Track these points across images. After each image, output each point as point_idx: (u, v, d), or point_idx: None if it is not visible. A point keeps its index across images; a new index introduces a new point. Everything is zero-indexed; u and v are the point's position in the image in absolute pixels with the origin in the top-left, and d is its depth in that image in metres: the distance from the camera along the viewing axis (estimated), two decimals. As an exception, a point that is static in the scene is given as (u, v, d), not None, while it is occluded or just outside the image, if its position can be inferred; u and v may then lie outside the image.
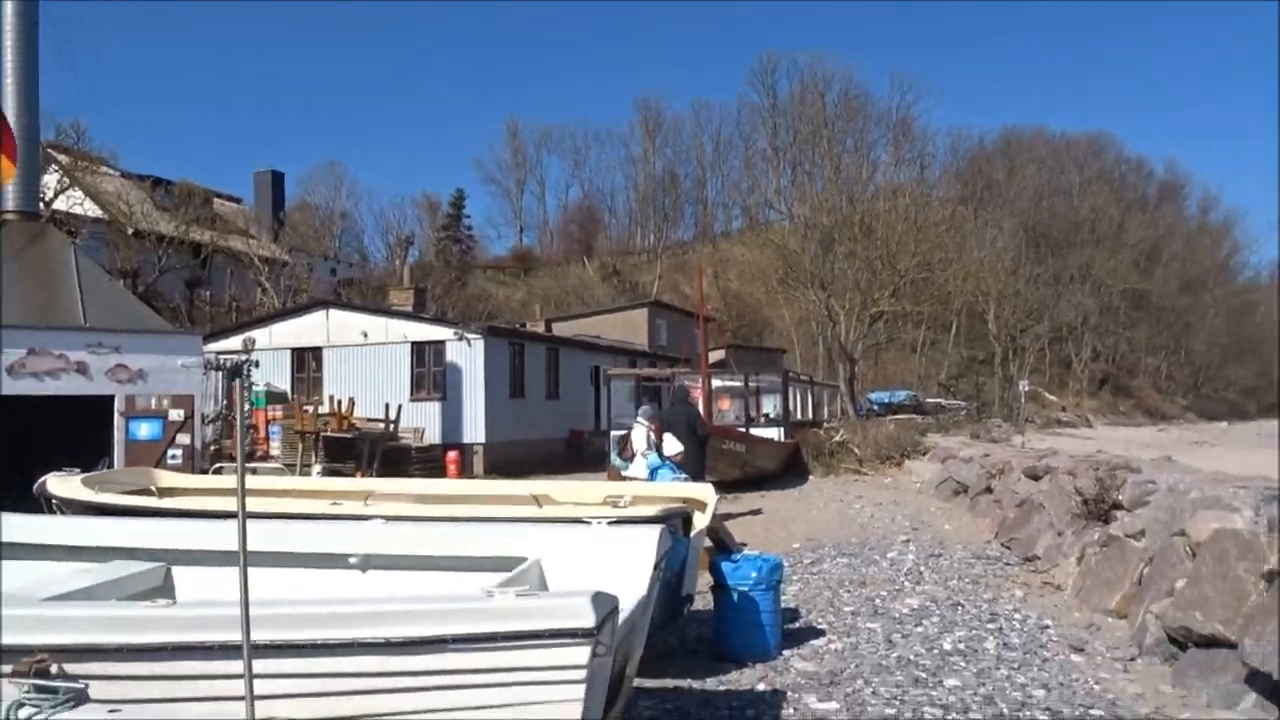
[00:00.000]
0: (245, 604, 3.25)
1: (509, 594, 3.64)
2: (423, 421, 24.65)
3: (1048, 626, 7.52)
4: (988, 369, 57.35)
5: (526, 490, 6.98)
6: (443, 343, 25.38)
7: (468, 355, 25.00)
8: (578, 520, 5.51)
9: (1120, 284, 73.62)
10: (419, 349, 25.63)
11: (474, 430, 24.71)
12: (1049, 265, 66.37)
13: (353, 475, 17.42)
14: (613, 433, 19.75)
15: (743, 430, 20.20)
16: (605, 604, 3.59)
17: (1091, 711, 5.45)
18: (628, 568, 4.76)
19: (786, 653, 6.78)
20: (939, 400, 46.59)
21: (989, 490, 14.75)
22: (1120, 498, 9.01)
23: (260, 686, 3.29)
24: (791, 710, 5.56)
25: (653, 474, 11.57)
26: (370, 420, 22.41)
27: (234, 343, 24.76)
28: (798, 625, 7.64)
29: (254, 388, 22.43)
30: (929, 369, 58.55)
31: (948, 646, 6.93)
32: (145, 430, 16.20)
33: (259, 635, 3.31)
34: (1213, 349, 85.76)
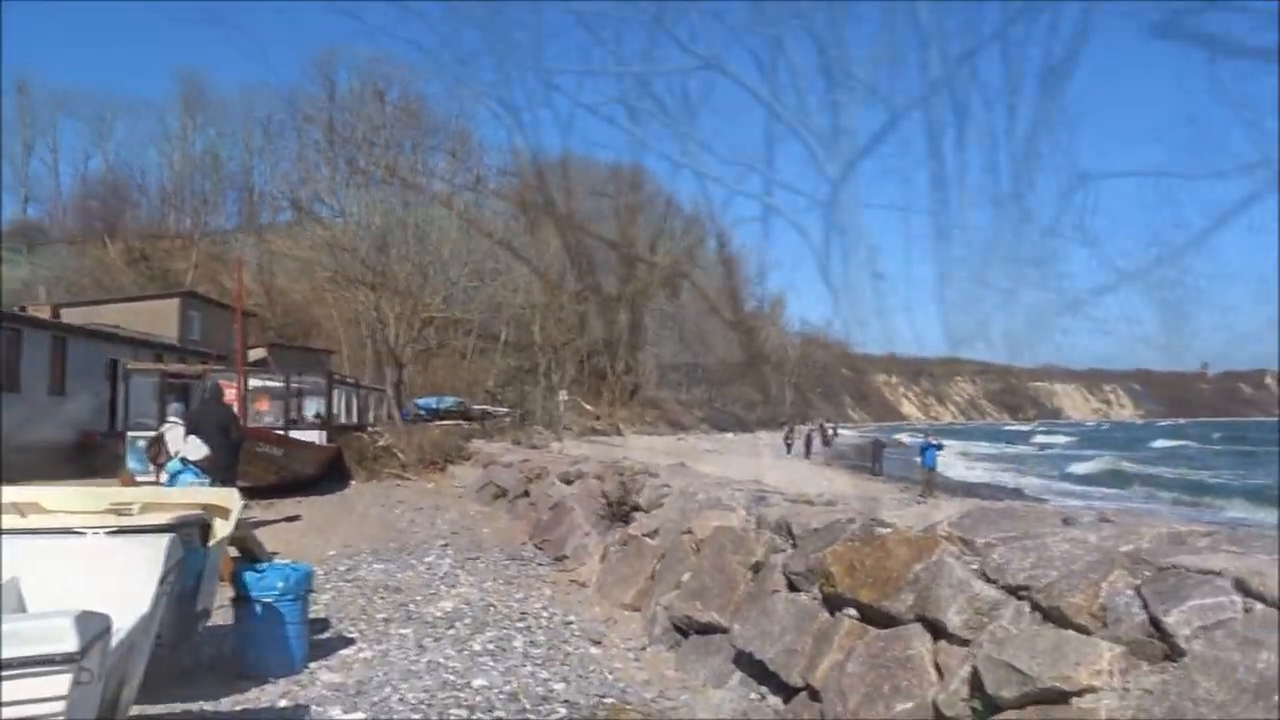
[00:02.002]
0: None
1: (-34, 619, 3.08)
2: (-123, 418, 20.53)
3: (571, 622, 7.94)
4: (532, 378, 59.90)
5: (7, 498, 5.98)
6: (-88, 324, 21.36)
7: (-54, 340, 21.25)
8: (69, 531, 4.81)
9: (651, 304, 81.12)
10: (-123, 330, 21.36)
11: (-50, 429, 21.00)
12: (590, 282, 71.13)
13: None
14: (130, 434, 17.85)
15: (281, 433, 19.20)
16: (93, 625, 3.16)
17: (605, 700, 5.82)
18: (128, 582, 4.25)
19: (313, 665, 6.50)
20: (485, 407, 47.69)
21: (526, 494, 15.34)
22: (639, 500, 9.79)
23: None
24: (314, 725, 5.32)
25: (173, 479, 10.57)
26: None
27: None
28: (327, 635, 7.36)
29: None
30: (478, 376, 59.83)
31: (478, 647, 7.05)
32: None
33: None
34: (724, 367, 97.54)
